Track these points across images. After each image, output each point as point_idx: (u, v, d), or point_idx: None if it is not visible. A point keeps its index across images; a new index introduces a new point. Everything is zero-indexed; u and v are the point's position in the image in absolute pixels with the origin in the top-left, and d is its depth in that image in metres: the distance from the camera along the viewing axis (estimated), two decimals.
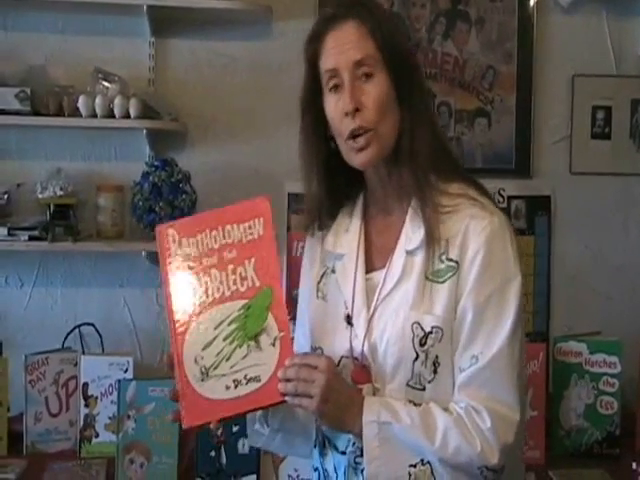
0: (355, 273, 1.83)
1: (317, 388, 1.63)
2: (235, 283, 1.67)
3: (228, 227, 1.69)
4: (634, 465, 2.59)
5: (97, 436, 2.98)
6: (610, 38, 3.46)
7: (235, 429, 2.82)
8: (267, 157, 3.34)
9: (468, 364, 1.71)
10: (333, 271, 1.88)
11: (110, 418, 2.96)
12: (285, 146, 3.32)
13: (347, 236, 1.88)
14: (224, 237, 1.69)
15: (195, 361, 1.65)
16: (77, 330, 3.22)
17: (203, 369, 1.64)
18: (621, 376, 3.00)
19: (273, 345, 1.65)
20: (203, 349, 1.65)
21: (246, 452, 2.85)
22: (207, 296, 1.67)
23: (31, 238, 3.06)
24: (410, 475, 1.66)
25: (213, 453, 2.86)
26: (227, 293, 1.67)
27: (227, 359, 1.64)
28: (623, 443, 3.02)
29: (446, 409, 1.69)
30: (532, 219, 3.40)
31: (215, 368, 1.63)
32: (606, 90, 3.44)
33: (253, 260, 1.67)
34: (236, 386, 1.62)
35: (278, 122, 3.32)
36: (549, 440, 3.01)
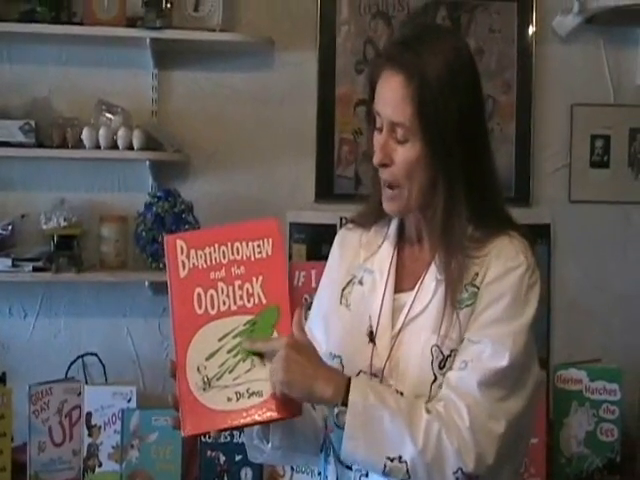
0: (384, 292, 1.84)
1: (278, 361, 1.61)
2: (242, 298, 1.67)
3: (237, 244, 1.69)
4: None
5: (101, 465, 2.98)
6: (608, 68, 3.49)
7: (238, 458, 2.83)
8: (269, 187, 3.37)
9: (457, 367, 1.70)
10: (360, 282, 1.88)
11: (114, 447, 2.96)
12: (287, 176, 3.37)
13: (379, 254, 1.89)
14: (232, 253, 1.69)
15: (198, 370, 1.64)
16: (80, 360, 3.23)
17: (206, 379, 1.64)
18: (621, 403, 3.00)
19: None
20: (207, 359, 1.64)
21: None
22: (213, 308, 1.67)
23: (35, 269, 3.08)
24: (385, 467, 1.62)
25: None
26: (233, 307, 1.67)
27: (230, 371, 1.64)
28: (624, 470, 3.02)
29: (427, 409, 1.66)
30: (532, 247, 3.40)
31: (218, 379, 1.63)
32: (604, 119, 3.47)
33: (261, 278, 1.68)
34: (238, 399, 1.62)
35: (280, 152, 3.36)
36: (550, 467, 3.00)
